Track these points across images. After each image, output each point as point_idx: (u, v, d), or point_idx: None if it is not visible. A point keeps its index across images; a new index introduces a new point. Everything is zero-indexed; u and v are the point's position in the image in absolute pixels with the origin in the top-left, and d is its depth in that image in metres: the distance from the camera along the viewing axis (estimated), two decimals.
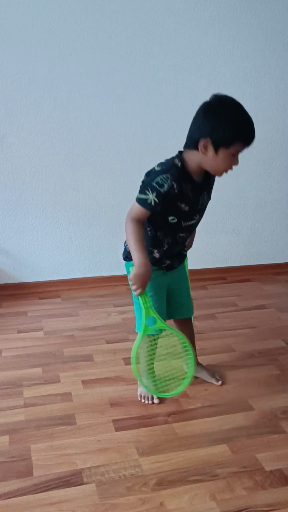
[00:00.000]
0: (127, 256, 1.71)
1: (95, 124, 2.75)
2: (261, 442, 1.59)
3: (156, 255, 1.69)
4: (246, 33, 2.79)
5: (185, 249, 1.82)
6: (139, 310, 1.74)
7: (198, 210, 1.64)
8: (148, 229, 1.64)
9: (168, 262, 1.73)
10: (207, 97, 1.53)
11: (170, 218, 1.60)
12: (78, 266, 2.98)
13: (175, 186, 1.51)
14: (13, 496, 1.37)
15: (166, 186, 1.50)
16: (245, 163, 2.98)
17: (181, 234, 1.66)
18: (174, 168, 1.52)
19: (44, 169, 2.76)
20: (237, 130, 1.47)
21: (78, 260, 2.97)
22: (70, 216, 2.87)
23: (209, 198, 1.69)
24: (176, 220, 1.61)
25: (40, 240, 2.88)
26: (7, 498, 1.36)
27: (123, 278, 3.02)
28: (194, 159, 1.54)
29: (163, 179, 1.50)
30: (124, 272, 3.07)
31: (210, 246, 3.09)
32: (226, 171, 1.55)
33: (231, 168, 1.54)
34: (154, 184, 1.50)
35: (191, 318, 1.93)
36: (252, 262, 3.24)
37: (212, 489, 1.40)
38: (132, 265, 1.56)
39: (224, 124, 1.46)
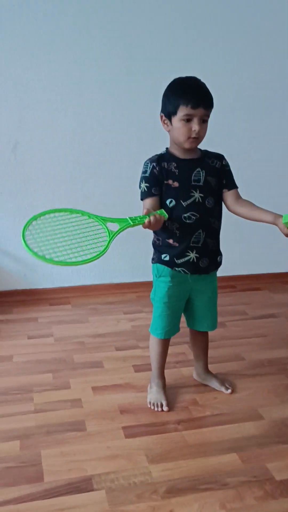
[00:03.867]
0: (153, 258, 1.78)
1: (106, 133, 2.78)
2: (271, 452, 1.58)
3: (175, 244, 1.69)
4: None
5: (219, 250, 1.78)
6: (158, 314, 1.78)
7: (193, 186, 1.65)
8: None
9: (193, 256, 1.69)
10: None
11: (168, 201, 1.65)
12: (88, 273, 2.99)
13: (155, 166, 1.64)
14: (23, 501, 1.38)
15: (147, 169, 1.66)
16: (256, 169, 3.01)
17: (185, 215, 1.65)
18: (155, 155, 1.69)
19: (56, 176, 2.79)
20: (178, 95, 1.58)
21: (88, 267, 2.98)
22: None
23: (213, 177, 1.68)
24: (174, 202, 1.65)
25: None
26: (17, 503, 1.37)
27: (133, 285, 3.05)
28: (170, 139, 1.68)
29: (144, 166, 1.68)
30: (135, 280, 3.09)
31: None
32: (188, 138, 1.59)
33: (191, 134, 1.59)
34: (141, 175, 1.68)
35: (207, 332, 1.92)
36: (262, 270, 3.23)
37: (222, 498, 1.39)
38: (156, 267, 1.74)
39: (169, 95, 1.62)
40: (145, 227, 1.51)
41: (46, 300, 2.88)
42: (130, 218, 1.50)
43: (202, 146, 1.72)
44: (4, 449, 1.59)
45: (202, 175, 1.66)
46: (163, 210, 1.57)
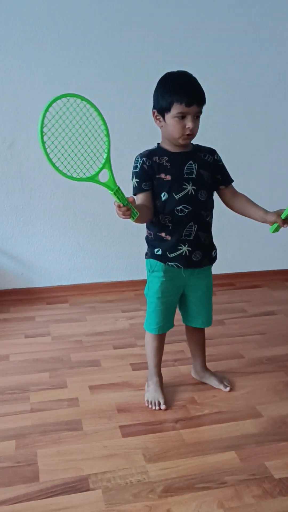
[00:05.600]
0: (146, 254, 1.77)
1: None
2: (270, 450, 1.57)
3: (167, 237, 1.68)
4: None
5: (213, 245, 1.77)
6: (151, 309, 1.78)
7: (185, 178, 1.64)
8: (153, 218, 1.70)
9: (185, 249, 1.68)
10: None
11: (161, 195, 1.65)
12: (86, 271, 2.97)
13: (145, 161, 1.64)
14: (19, 502, 1.36)
15: (138, 165, 1.65)
16: (256, 165, 2.99)
17: (177, 208, 1.64)
18: (146, 150, 1.68)
19: (53, 174, 2.73)
20: (171, 92, 1.56)
21: (86, 265, 2.97)
22: (78, 222, 2.88)
23: (206, 171, 1.67)
24: (167, 195, 1.64)
25: (49, 245, 2.88)
26: (13, 503, 1.35)
27: (131, 283, 3.03)
28: (161, 134, 1.67)
29: (135, 162, 1.67)
30: (133, 278, 3.08)
31: (218, 251, 3.08)
32: (182, 135, 1.59)
33: (185, 131, 1.58)
34: (132, 170, 1.68)
35: (203, 328, 1.90)
36: (261, 268, 3.21)
37: (220, 496, 1.37)
38: (149, 262, 1.74)
39: (161, 91, 1.59)
40: (116, 205, 1.47)
41: (44, 299, 2.87)
42: (118, 188, 1.46)
43: (201, 142, 1.70)
44: None
45: (195, 168, 1.66)
46: (138, 214, 1.51)
